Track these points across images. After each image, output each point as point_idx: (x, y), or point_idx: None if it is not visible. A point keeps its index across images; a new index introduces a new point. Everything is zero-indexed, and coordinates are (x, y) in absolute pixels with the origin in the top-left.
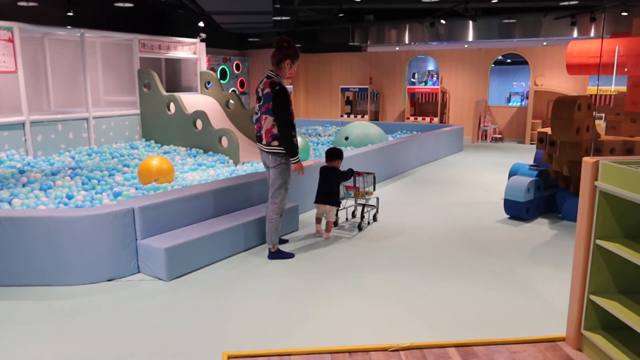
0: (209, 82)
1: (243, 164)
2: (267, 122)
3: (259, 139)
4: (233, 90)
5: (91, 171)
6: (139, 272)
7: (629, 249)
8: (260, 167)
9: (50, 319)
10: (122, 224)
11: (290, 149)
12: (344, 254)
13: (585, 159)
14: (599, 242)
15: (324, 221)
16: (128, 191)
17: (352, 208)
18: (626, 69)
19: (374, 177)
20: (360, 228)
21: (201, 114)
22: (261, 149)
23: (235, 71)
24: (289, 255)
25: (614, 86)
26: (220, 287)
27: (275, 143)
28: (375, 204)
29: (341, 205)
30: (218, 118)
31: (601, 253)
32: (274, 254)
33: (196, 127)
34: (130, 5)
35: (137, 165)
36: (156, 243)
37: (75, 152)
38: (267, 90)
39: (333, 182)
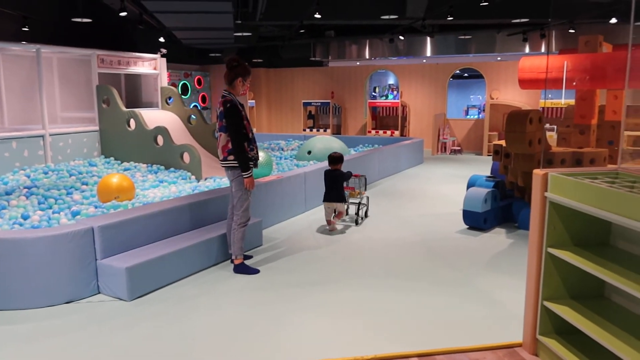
0: (170, 98)
1: (205, 179)
2: (222, 138)
3: (219, 156)
4: (195, 106)
5: (48, 190)
6: (99, 293)
7: (577, 256)
8: (222, 182)
9: (8, 345)
10: (81, 244)
11: (241, 163)
12: (308, 268)
13: (535, 171)
14: (550, 250)
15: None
16: (87, 210)
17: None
18: (574, 84)
19: (365, 179)
20: (357, 222)
21: (162, 130)
22: (221, 165)
23: (197, 86)
24: (254, 271)
25: (564, 99)
26: (184, 305)
27: (231, 157)
28: (366, 202)
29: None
30: (179, 134)
31: (552, 261)
32: (239, 267)
33: (157, 143)
34: (88, 20)
35: (96, 183)
36: (117, 263)
37: (31, 170)
38: (221, 108)
39: (339, 182)
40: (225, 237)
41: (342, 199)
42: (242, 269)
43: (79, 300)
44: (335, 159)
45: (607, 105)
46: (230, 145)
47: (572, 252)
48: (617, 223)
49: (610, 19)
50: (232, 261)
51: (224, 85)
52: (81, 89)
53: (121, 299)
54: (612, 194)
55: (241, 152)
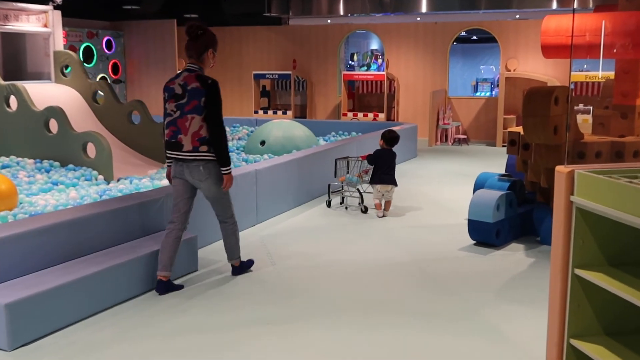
0: (67, 67)
1: (118, 180)
2: (195, 122)
3: (174, 146)
4: (103, 78)
5: None
6: None
7: (614, 279)
8: (142, 185)
9: None
10: None
11: (225, 156)
12: (257, 299)
13: (558, 167)
14: (577, 272)
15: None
16: None
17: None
18: (614, 51)
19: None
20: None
21: (56, 112)
22: (180, 158)
23: (106, 50)
24: (178, 287)
25: (602, 72)
26: (87, 356)
27: (204, 148)
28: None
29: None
30: (81, 117)
31: (581, 285)
32: (239, 269)
33: (49, 131)
34: None
35: None
36: None
37: None
38: (195, 84)
39: (394, 164)
40: (149, 258)
41: (395, 182)
42: (242, 269)
43: None
44: (395, 138)
45: None
46: (203, 132)
47: (607, 274)
48: None
49: None
50: (232, 265)
51: (143, 48)
52: None
53: None
54: None
55: (225, 143)
